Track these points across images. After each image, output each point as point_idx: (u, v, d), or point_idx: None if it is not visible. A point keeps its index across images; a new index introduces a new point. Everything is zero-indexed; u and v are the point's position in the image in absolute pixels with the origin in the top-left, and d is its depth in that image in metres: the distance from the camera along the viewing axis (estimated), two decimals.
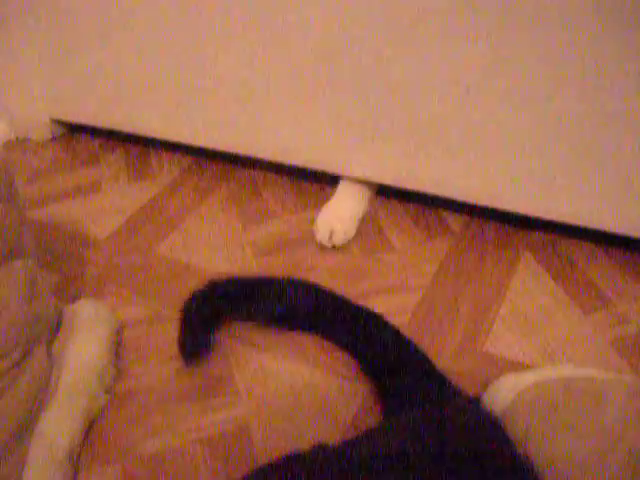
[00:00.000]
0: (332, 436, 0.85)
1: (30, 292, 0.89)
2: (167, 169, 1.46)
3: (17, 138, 1.62)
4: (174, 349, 1.00)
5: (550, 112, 0.96)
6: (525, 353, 0.96)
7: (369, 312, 0.99)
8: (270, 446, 0.85)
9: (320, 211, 1.22)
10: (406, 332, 0.98)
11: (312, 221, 1.22)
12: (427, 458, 0.62)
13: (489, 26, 0.92)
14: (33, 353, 0.86)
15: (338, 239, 1.17)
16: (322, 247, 1.18)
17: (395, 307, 1.05)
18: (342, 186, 1.27)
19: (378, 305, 1.04)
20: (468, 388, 0.88)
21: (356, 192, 1.25)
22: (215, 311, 1.01)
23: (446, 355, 0.96)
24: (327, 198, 1.26)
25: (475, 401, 0.82)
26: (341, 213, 1.20)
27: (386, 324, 0.97)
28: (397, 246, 1.18)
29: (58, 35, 1.35)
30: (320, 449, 0.69)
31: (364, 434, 0.72)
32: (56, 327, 0.95)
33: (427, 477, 0.59)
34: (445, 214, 1.24)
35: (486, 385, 0.87)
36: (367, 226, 1.23)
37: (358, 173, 1.23)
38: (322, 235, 1.18)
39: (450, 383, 0.87)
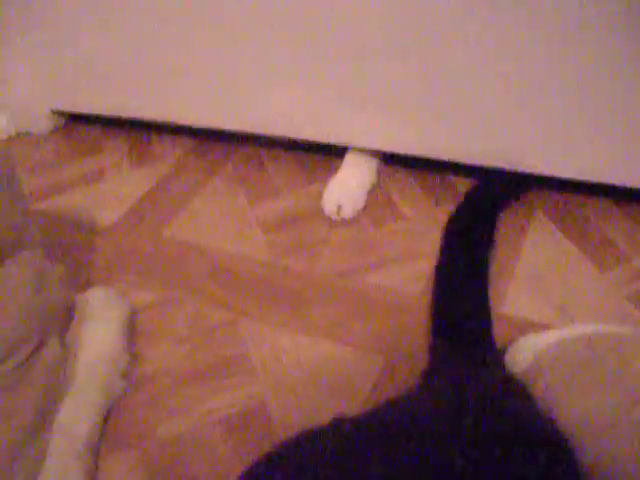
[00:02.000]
0: (350, 409, 0.84)
1: (38, 283, 0.89)
2: (170, 152, 1.45)
3: (18, 133, 1.61)
4: (187, 331, 0.99)
5: (559, 65, 0.94)
6: (542, 313, 0.95)
7: None
8: (288, 423, 0.84)
9: (327, 185, 1.21)
10: (421, 299, 0.98)
11: (319, 194, 1.21)
12: (450, 426, 0.61)
13: None
14: (46, 344, 0.86)
15: (346, 212, 1.16)
16: (331, 221, 1.17)
17: (409, 275, 1.03)
18: (348, 158, 1.25)
19: (393, 274, 1.04)
20: None
21: (362, 163, 1.23)
22: None
23: None
24: (334, 170, 1.25)
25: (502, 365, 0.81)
26: (348, 186, 1.19)
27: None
28: (407, 214, 1.16)
29: (53, 25, 1.33)
30: (340, 421, 0.68)
31: (384, 404, 0.71)
32: (68, 317, 0.95)
33: (450, 444, 0.58)
34: (453, 179, 1.23)
35: (504, 347, 0.85)
36: (376, 196, 1.21)
37: (362, 142, 1.21)
38: (330, 209, 1.17)
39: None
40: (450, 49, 0.99)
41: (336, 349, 0.93)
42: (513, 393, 0.68)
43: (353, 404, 0.85)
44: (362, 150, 1.24)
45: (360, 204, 1.18)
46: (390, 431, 0.61)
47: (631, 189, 1.04)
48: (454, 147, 1.12)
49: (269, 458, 0.64)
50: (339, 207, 1.16)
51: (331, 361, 0.92)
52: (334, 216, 1.16)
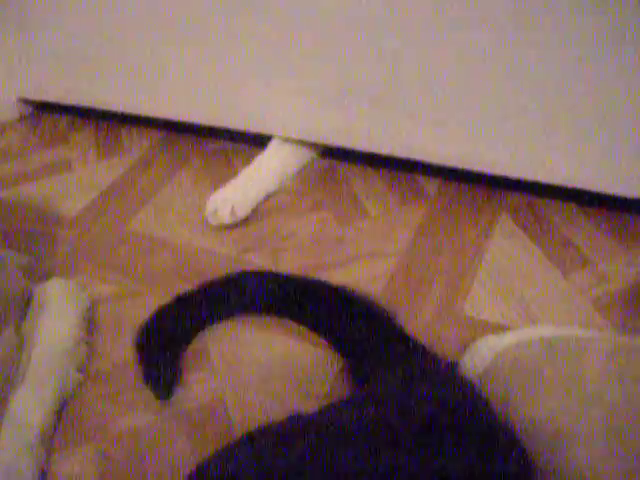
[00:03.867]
0: (308, 406, 0.83)
1: None
2: (138, 144, 1.44)
3: None
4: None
5: (524, 66, 0.95)
6: (504, 315, 0.95)
7: (334, 289, 0.97)
8: (246, 418, 0.84)
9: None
10: (383, 298, 0.98)
11: (286, 190, 1.21)
12: (402, 424, 0.61)
13: None
14: (1, 333, 0.85)
15: (222, 218, 1.14)
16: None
17: (372, 274, 1.03)
18: (257, 159, 1.25)
19: (355, 272, 1.04)
20: (448, 352, 0.87)
21: (265, 166, 1.24)
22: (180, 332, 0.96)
23: (424, 320, 0.95)
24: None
25: (451, 365, 0.82)
26: (234, 189, 1.18)
27: (352, 300, 0.95)
28: (372, 212, 1.16)
29: (21, 12, 1.32)
30: (295, 418, 0.68)
31: (339, 402, 0.71)
32: (25, 307, 0.94)
33: (402, 442, 0.58)
34: (420, 178, 1.23)
35: (466, 348, 0.86)
36: (341, 194, 1.21)
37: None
38: (207, 213, 1.16)
39: (428, 352, 0.86)
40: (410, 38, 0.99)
41: (296, 346, 0.93)
42: (467, 397, 0.68)
43: (311, 401, 0.85)
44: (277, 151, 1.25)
45: (243, 210, 1.16)
46: (341, 432, 0.61)
47: (595, 194, 1.05)
48: (412, 146, 1.13)
49: (222, 453, 0.64)
50: (215, 211, 1.14)
51: (291, 358, 0.91)
52: (210, 220, 1.15)
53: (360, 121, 1.12)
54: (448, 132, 1.07)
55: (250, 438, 0.67)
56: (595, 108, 0.94)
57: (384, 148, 1.15)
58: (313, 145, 1.26)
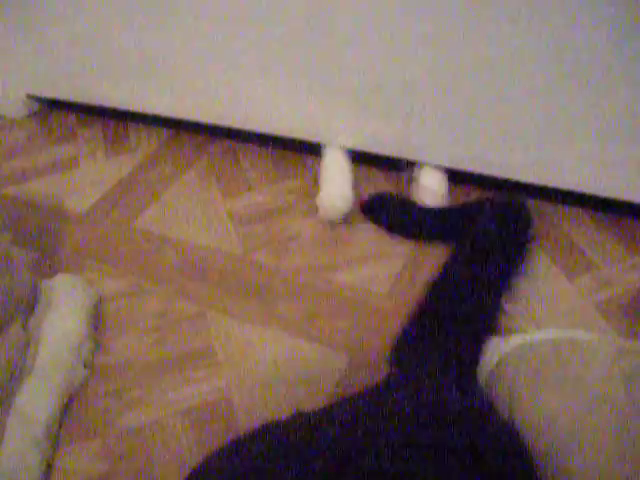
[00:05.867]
0: (313, 405, 0.84)
1: (3, 266, 0.88)
2: (145, 142, 1.44)
3: None
4: (154, 322, 0.99)
5: (532, 73, 0.95)
6: (510, 318, 0.95)
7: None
8: (252, 416, 0.84)
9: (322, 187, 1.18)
10: (388, 299, 0.98)
11: (292, 190, 1.22)
12: (401, 423, 0.61)
13: None
14: (9, 328, 0.85)
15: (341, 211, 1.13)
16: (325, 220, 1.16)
17: (378, 275, 1.04)
18: (329, 159, 1.24)
19: (361, 273, 1.04)
20: None
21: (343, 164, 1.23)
22: None
23: None
24: (307, 167, 1.25)
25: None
26: (341, 189, 1.16)
27: None
28: None
29: (31, 10, 1.32)
30: (298, 416, 0.68)
31: (339, 401, 0.71)
32: (33, 302, 0.94)
33: (401, 439, 0.58)
34: None
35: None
36: None
37: (342, 142, 1.21)
38: (325, 211, 1.14)
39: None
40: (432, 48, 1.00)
41: (302, 345, 0.93)
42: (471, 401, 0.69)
43: (316, 399, 0.85)
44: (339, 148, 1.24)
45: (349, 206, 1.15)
46: (340, 430, 0.61)
47: (601, 199, 1.05)
48: (430, 149, 1.13)
49: (225, 450, 0.64)
50: (332, 209, 1.13)
51: (296, 356, 0.92)
52: (328, 217, 1.14)
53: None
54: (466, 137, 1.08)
55: (252, 435, 0.67)
56: (601, 117, 0.95)
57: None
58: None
